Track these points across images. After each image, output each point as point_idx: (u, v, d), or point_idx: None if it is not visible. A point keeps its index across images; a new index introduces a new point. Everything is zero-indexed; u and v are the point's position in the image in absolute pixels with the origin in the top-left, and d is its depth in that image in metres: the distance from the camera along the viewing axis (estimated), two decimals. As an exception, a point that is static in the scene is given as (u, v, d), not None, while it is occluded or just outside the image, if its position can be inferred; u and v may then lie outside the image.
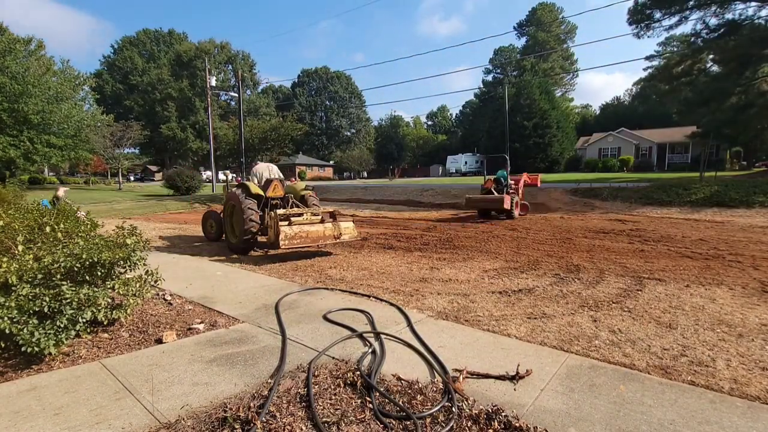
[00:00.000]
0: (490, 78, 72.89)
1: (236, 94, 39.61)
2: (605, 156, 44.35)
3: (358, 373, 2.82)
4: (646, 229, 9.96)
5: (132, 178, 62.38)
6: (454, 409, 2.40)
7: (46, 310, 3.15)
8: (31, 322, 3.07)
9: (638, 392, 2.61)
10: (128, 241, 3.89)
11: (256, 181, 8.50)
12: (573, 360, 3.12)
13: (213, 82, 34.20)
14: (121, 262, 3.80)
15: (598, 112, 70.27)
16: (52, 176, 47.02)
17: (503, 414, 2.34)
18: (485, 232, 9.92)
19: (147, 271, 4.05)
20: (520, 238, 9.08)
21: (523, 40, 72.28)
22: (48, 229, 3.88)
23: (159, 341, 3.62)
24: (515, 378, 2.77)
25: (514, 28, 73.46)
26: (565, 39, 70.84)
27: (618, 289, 5.02)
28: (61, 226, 3.98)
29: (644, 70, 64.62)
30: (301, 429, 2.25)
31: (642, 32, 21.33)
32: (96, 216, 5.32)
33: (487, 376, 2.83)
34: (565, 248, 7.74)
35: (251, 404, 2.47)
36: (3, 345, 3.11)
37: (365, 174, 69.14)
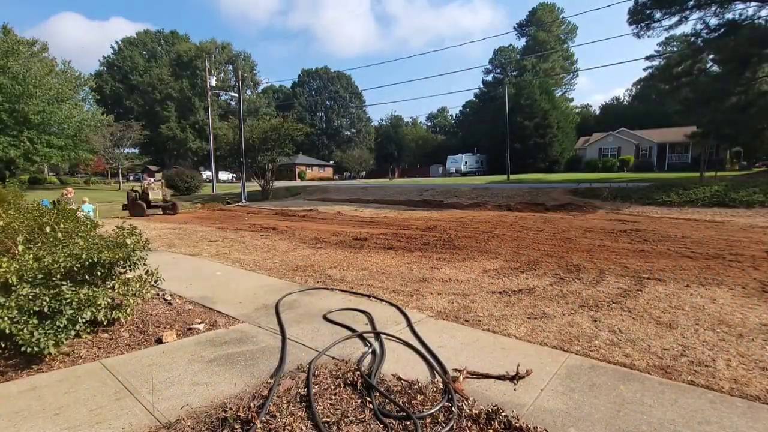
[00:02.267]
0: (490, 78, 72.88)
1: (236, 94, 39.59)
2: (605, 156, 44.36)
3: (358, 373, 2.82)
4: (646, 229, 9.95)
5: (131, 178, 62.27)
6: (454, 409, 2.40)
7: (46, 310, 3.15)
8: (31, 322, 3.07)
9: (638, 392, 2.61)
10: (128, 241, 3.89)
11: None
12: (573, 360, 3.12)
13: (213, 82, 34.21)
14: (121, 262, 3.80)
15: (598, 112, 70.27)
16: (52, 176, 46.97)
17: (503, 414, 2.34)
18: (485, 232, 9.92)
19: (147, 271, 4.05)
20: (520, 238, 9.07)
21: (524, 40, 72.38)
22: (48, 229, 3.88)
23: (159, 341, 3.62)
24: (515, 378, 2.78)
25: (514, 28, 73.56)
26: (566, 39, 70.85)
27: (618, 289, 5.02)
28: (61, 226, 3.98)
29: (644, 70, 64.65)
30: (301, 429, 2.25)
31: (642, 32, 21.33)
32: (96, 216, 5.33)
33: (487, 376, 2.83)
34: (565, 248, 7.73)
35: (251, 404, 2.47)
36: (3, 345, 3.12)
37: (364, 174, 69.13)
